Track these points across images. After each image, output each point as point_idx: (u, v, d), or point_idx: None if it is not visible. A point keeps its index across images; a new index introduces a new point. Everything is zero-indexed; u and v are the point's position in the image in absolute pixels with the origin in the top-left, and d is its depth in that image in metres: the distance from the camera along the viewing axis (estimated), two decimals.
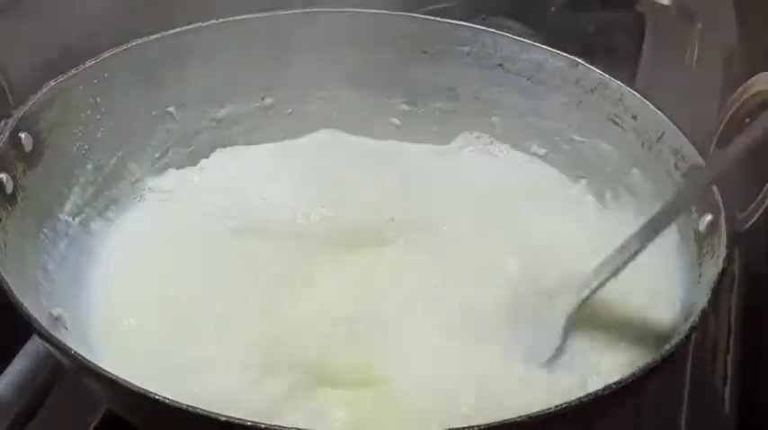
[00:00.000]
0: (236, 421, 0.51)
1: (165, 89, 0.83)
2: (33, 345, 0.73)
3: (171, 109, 0.84)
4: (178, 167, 0.85)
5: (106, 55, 0.78)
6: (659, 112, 0.77)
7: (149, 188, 0.83)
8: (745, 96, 0.78)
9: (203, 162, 0.86)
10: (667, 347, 0.59)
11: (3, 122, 0.69)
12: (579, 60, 0.83)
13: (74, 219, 0.75)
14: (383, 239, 0.79)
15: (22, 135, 0.70)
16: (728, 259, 0.63)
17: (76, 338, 0.65)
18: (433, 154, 0.90)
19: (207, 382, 0.66)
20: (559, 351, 0.69)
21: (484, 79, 0.87)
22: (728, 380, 0.79)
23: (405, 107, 0.90)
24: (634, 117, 0.79)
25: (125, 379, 0.54)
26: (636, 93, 0.79)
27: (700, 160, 0.72)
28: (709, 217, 0.67)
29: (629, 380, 0.55)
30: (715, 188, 0.67)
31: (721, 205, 0.67)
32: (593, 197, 0.84)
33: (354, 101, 0.89)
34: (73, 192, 0.76)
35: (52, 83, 0.74)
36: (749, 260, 0.87)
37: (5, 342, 0.72)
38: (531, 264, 0.76)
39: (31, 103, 0.71)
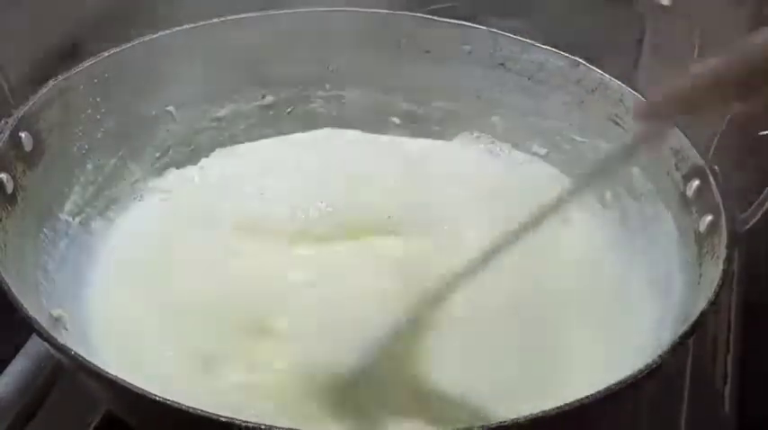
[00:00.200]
0: (237, 421, 0.51)
1: (165, 89, 0.83)
2: (33, 345, 0.73)
3: (171, 108, 0.84)
4: (178, 167, 0.85)
5: (106, 55, 0.78)
6: None
7: (149, 188, 0.83)
8: None
9: (203, 161, 0.86)
10: (667, 348, 0.59)
11: (3, 122, 0.69)
12: (580, 60, 0.83)
13: (74, 219, 0.75)
14: (382, 237, 0.79)
15: (22, 135, 0.70)
16: (729, 260, 0.63)
17: (76, 338, 0.65)
18: (433, 153, 0.90)
19: (207, 382, 0.66)
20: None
21: (485, 79, 0.87)
22: (728, 380, 0.79)
23: (405, 106, 0.91)
24: None
25: (125, 379, 0.54)
26: (636, 93, 0.79)
27: (700, 160, 0.72)
28: (709, 217, 0.67)
29: (630, 381, 0.55)
30: (715, 189, 0.67)
31: (722, 206, 0.67)
32: (593, 197, 0.84)
33: (355, 100, 0.89)
34: (73, 191, 0.76)
35: (52, 83, 0.74)
36: (749, 260, 0.87)
37: (5, 342, 0.72)
38: (531, 264, 0.76)
39: (31, 103, 0.71)
